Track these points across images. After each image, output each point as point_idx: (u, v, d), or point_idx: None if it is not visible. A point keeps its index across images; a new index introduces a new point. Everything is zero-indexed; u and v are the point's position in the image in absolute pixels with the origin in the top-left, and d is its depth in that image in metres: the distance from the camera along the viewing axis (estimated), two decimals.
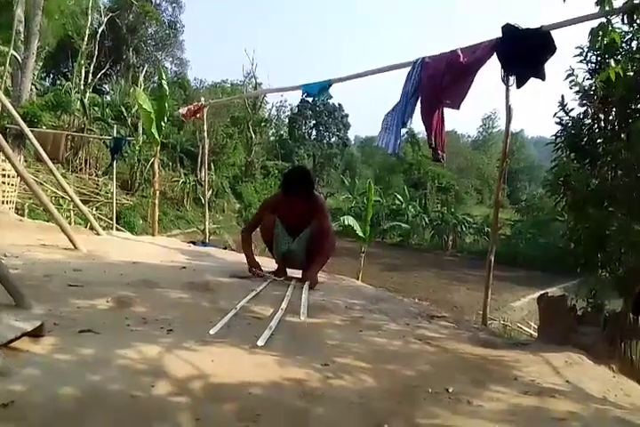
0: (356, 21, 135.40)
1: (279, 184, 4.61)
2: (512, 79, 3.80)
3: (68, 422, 1.62)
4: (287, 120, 47.61)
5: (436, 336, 3.16)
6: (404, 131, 4.47)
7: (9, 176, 9.27)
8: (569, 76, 3.82)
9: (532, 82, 3.72)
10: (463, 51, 4.09)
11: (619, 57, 3.69)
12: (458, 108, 4.17)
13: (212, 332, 2.68)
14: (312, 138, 47.77)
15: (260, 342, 2.57)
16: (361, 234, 17.71)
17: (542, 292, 3.67)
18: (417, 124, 4.44)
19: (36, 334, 2.24)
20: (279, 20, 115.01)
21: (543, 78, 3.63)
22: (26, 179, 4.93)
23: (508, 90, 3.91)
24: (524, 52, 3.70)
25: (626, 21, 3.35)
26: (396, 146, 4.45)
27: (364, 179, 39.67)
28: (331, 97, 5.82)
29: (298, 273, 4.47)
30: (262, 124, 38.85)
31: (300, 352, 2.54)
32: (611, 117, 3.77)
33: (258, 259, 4.52)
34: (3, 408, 1.63)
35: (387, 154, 45.89)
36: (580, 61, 3.85)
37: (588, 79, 3.83)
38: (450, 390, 2.24)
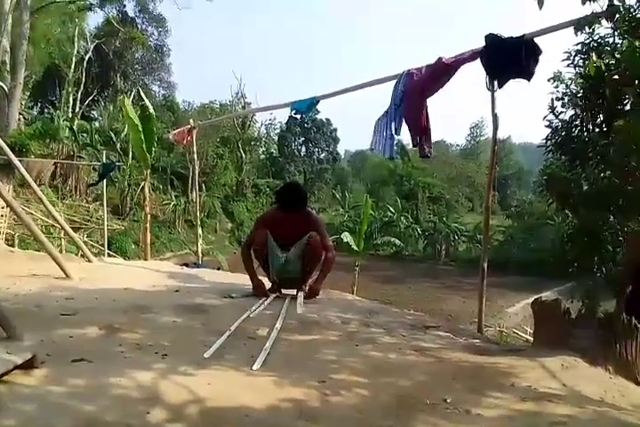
0: (342, 36, 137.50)
1: (271, 201, 4.66)
2: (496, 84, 3.88)
3: None
4: (277, 138, 47.82)
5: (432, 346, 3.16)
6: (397, 137, 4.55)
7: None
8: (554, 79, 3.87)
9: (518, 87, 3.80)
10: (447, 59, 4.20)
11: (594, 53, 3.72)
12: (433, 94, 4.27)
13: (206, 355, 2.66)
14: (302, 154, 47.99)
15: (256, 366, 2.55)
16: (355, 248, 17.77)
17: (536, 296, 3.68)
18: (405, 134, 4.54)
19: (28, 366, 2.22)
20: (266, 37, 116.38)
21: (529, 79, 3.71)
22: (15, 208, 4.92)
23: (493, 97, 3.98)
24: (508, 59, 3.80)
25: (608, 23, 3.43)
26: (392, 150, 4.55)
27: (355, 193, 39.87)
28: (318, 112, 5.92)
29: (293, 291, 4.47)
30: (252, 142, 39.06)
31: (296, 370, 2.54)
32: (599, 118, 3.80)
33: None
34: None
35: (377, 167, 46.29)
36: (568, 65, 3.90)
37: (574, 81, 3.88)
38: (448, 400, 2.24)
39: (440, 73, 4.21)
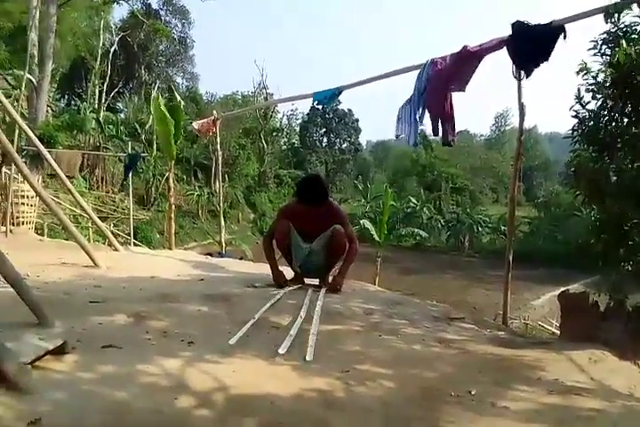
0: (370, 23, 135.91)
1: (293, 192, 4.64)
2: (522, 73, 3.82)
3: None
4: (298, 128, 47.81)
5: (456, 338, 3.14)
6: (420, 127, 4.51)
7: (27, 197, 9.41)
8: (582, 69, 3.79)
9: (544, 76, 3.73)
10: (473, 47, 4.13)
11: (624, 40, 3.65)
12: (464, 89, 4.21)
13: (231, 342, 2.70)
14: (323, 145, 47.92)
15: (282, 351, 2.58)
16: (377, 238, 17.72)
17: (563, 289, 3.63)
18: (427, 124, 4.49)
19: (59, 351, 2.27)
20: (289, 28, 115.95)
21: (547, 59, 3.65)
22: (44, 198, 5.02)
23: (520, 86, 3.92)
24: (535, 47, 3.72)
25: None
26: (416, 137, 4.51)
27: (377, 183, 39.67)
28: (339, 103, 5.90)
29: (315, 281, 4.48)
30: (274, 133, 39.09)
31: (319, 360, 2.55)
32: (628, 107, 3.72)
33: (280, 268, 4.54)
34: (30, 426, 1.66)
35: (400, 157, 45.99)
36: (594, 55, 3.82)
37: (602, 71, 3.80)
38: (473, 393, 2.22)
39: (463, 62, 4.15)
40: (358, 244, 4.55)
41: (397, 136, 4.66)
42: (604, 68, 3.76)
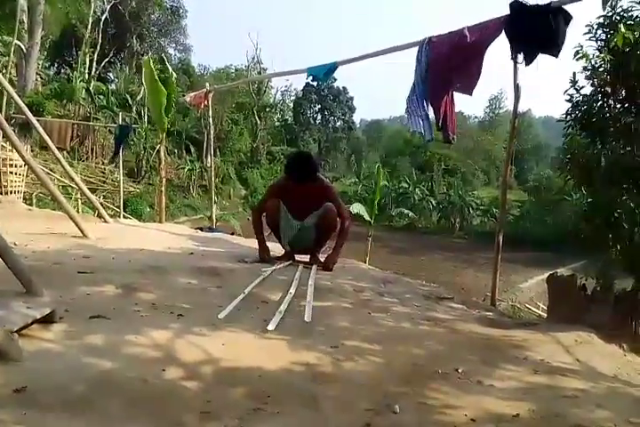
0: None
1: (283, 169, 4.58)
2: (520, 56, 3.75)
3: (79, 407, 1.64)
4: (292, 105, 47.34)
5: (445, 317, 3.16)
6: (431, 115, 4.37)
7: (16, 166, 9.27)
8: (577, 53, 3.77)
9: (540, 60, 3.67)
10: (470, 29, 4.02)
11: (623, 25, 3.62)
12: (470, 93, 4.11)
13: (220, 316, 2.69)
14: (317, 122, 47.56)
15: (271, 327, 2.58)
16: (368, 218, 17.75)
17: (551, 272, 3.65)
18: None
19: (47, 320, 2.26)
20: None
21: (557, 55, 3.58)
22: (33, 168, 4.94)
23: (516, 68, 3.85)
24: (533, 29, 3.64)
25: None
26: (430, 131, 4.34)
27: (370, 162, 39.61)
28: (334, 80, 5.77)
29: (305, 258, 4.48)
30: (267, 109, 38.69)
31: (309, 336, 2.56)
32: (622, 93, 3.72)
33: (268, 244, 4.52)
34: (16, 393, 1.65)
35: (393, 137, 45.81)
36: (590, 39, 3.79)
37: (597, 56, 3.79)
38: (460, 371, 2.24)
39: (465, 55, 4.01)
40: (351, 222, 4.54)
41: (414, 132, 4.49)
42: (598, 53, 3.76)
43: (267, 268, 3.96)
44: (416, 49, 4.36)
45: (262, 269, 3.83)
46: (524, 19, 3.70)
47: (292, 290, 3.30)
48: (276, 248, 4.70)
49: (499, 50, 3.91)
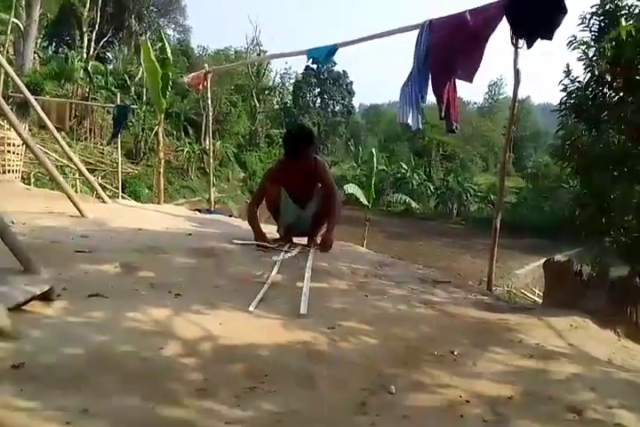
0: None
1: (282, 151, 4.48)
2: (521, 40, 3.71)
3: (78, 382, 1.65)
4: (292, 88, 47.00)
5: (441, 301, 3.18)
6: (423, 105, 4.27)
7: (14, 145, 9.19)
8: (571, 42, 3.82)
9: (539, 46, 3.65)
10: (471, 12, 3.96)
11: (624, 18, 3.66)
12: (471, 80, 4.06)
13: (251, 308, 2.58)
14: (316, 106, 47.27)
15: (251, 308, 2.57)
16: (365, 202, 17.78)
17: (547, 258, 3.67)
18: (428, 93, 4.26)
19: (45, 297, 2.27)
20: None
21: (550, 38, 3.55)
22: (31, 147, 4.90)
23: (516, 52, 3.81)
24: (534, 11, 3.59)
25: None
26: (418, 121, 4.25)
27: (368, 147, 39.46)
28: (335, 64, 5.69)
29: (303, 240, 4.48)
30: (266, 92, 38.40)
31: (306, 316, 2.57)
32: (618, 81, 3.74)
33: (264, 227, 4.50)
34: (14, 369, 1.66)
35: (392, 122, 45.52)
36: (583, 29, 3.85)
37: (591, 46, 3.83)
38: (455, 353, 2.26)
39: (467, 41, 3.94)
40: (340, 204, 4.48)
41: (401, 123, 4.33)
42: (592, 43, 3.79)
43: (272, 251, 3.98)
44: (416, 32, 4.29)
45: (274, 258, 3.75)
46: (525, 3, 3.65)
47: (275, 270, 3.33)
48: (273, 230, 4.70)
49: (498, 34, 3.86)
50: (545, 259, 3.54)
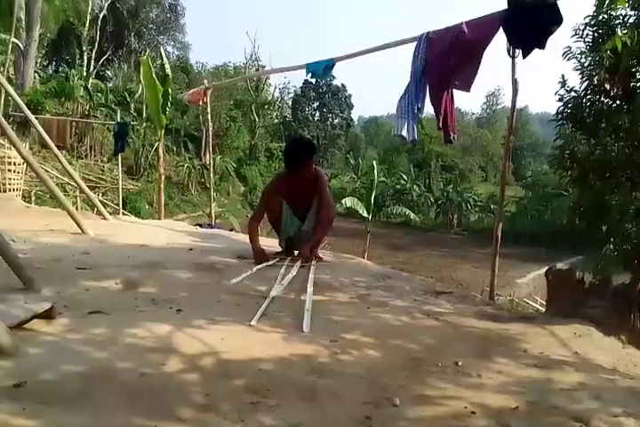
0: None
1: (283, 164, 4.51)
2: (517, 51, 3.74)
3: (80, 400, 1.64)
4: (290, 102, 47.31)
5: (443, 311, 3.16)
6: (421, 115, 4.28)
7: (14, 164, 9.25)
8: (566, 53, 3.87)
9: (535, 56, 3.68)
10: (468, 24, 4.00)
11: (619, 28, 3.72)
12: (468, 90, 4.08)
13: (253, 323, 2.56)
14: (315, 119, 47.53)
15: (253, 322, 2.55)
16: (365, 214, 17.77)
17: (549, 266, 3.66)
18: (425, 104, 4.28)
19: (46, 316, 2.26)
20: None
21: (542, 47, 3.58)
22: (32, 164, 4.92)
23: (514, 62, 3.84)
24: (530, 22, 3.63)
25: None
26: (414, 132, 4.23)
27: (368, 159, 39.62)
28: (334, 78, 5.73)
29: None
30: (265, 106, 38.66)
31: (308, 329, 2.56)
32: (615, 90, 3.78)
33: (264, 241, 4.50)
34: (15, 388, 1.65)
35: (391, 134, 45.79)
36: (577, 40, 3.93)
37: (587, 56, 3.88)
38: (458, 364, 2.25)
39: (464, 53, 3.97)
40: (335, 213, 4.48)
41: (396, 135, 4.29)
42: (588, 53, 3.84)
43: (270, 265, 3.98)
44: (413, 45, 4.33)
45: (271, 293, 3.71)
46: (522, 13, 3.68)
47: (285, 282, 3.33)
48: (273, 242, 4.71)
49: (494, 45, 3.90)
50: (546, 267, 3.53)
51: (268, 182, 5.15)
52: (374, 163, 19.83)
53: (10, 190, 9.09)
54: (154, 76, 8.51)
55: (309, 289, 3.22)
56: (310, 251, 4.25)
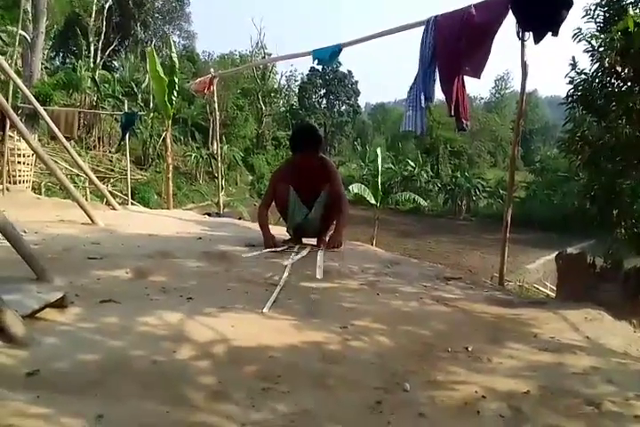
0: None
1: (289, 145, 4.51)
2: (528, 34, 3.68)
3: (93, 388, 1.66)
4: (297, 90, 47.09)
5: (453, 297, 3.16)
6: (431, 105, 4.24)
7: (24, 155, 9.31)
8: (576, 35, 3.81)
9: (545, 39, 3.62)
10: (477, 7, 3.93)
11: (631, 8, 3.66)
12: (479, 77, 4.03)
13: (265, 310, 2.58)
14: (322, 107, 47.33)
15: (265, 310, 2.57)
16: (372, 201, 17.74)
17: (560, 251, 3.63)
18: (436, 92, 4.22)
19: (58, 305, 2.28)
20: None
21: (556, 34, 3.51)
22: (41, 156, 4.94)
23: (523, 45, 3.78)
24: (539, 5, 3.56)
25: None
26: (423, 126, 4.17)
27: (375, 146, 39.46)
28: (340, 64, 5.67)
29: (312, 241, 4.48)
30: (272, 94, 38.53)
31: (317, 316, 2.57)
32: (626, 72, 3.72)
33: (273, 229, 4.51)
34: (29, 376, 1.67)
35: (398, 120, 45.40)
36: (587, 21, 3.85)
37: (598, 38, 3.82)
38: (469, 349, 2.25)
39: (474, 37, 3.90)
40: (348, 203, 4.49)
41: (405, 128, 4.22)
42: (597, 34, 3.78)
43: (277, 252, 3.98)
44: (421, 29, 4.27)
45: (284, 263, 3.74)
46: None
47: (287, 273, 3.32)
48: (282, 230, 4.71)
49: (503, 28, 3.83)
50: (556, 252, 3.50)
51: (275, 169, 5.16)
52: (378, 150, 19.77)
53: (20, 182, 9.17)
54: (159, 67, 8.49)
55: (320, 256, 3.46)
56: (336, 239, 4.31)
